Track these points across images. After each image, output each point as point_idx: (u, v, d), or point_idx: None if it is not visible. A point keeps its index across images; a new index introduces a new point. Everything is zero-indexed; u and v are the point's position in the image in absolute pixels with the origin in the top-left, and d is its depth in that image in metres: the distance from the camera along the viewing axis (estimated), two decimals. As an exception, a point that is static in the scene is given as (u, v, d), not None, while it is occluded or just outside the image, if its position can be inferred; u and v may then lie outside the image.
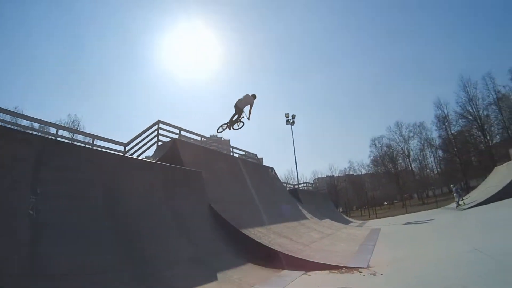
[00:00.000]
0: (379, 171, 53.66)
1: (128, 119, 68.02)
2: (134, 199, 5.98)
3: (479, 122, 41.29)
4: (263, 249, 6.85)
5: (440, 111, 45.71)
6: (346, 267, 5.76)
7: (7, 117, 8.40)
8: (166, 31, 72.44)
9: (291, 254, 6.62)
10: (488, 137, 41.23)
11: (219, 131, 9.43)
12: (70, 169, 4.98)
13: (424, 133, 49.14)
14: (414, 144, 50.25)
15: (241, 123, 8.93)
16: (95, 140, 9.12)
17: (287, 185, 27.79)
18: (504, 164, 22.64)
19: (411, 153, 50.41)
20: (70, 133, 17.00)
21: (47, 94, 55.67)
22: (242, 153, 16.83)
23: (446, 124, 45.45)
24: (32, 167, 4.34)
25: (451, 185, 22.37)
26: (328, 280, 5.08)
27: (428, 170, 51.79)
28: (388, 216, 29.18)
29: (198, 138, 13.81)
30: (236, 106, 8.65)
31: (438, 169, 50.24)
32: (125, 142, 9.66)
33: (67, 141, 9.52)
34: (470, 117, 42.18)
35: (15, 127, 8.21)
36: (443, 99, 47.42)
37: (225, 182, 11.13)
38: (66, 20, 58.93)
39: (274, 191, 15.49)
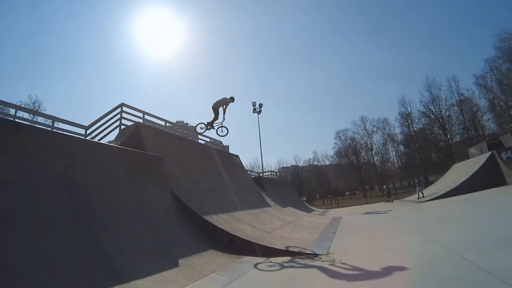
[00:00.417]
0: (343, 162, 56.32)
1: (93, 102, 63.64)
2: (94, 185, 5.75)
3: (440, 121, 44.05)
4: (225, 235, 6.94)
5: (404, 109, 48.43)
6: (306, 254, 6.02)
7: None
8: (133, 12, 68.18)
9: (253, 241, 6.77)
10: (448, 136, 44.06)
11: (198, 130, 9.41)
12: (28, 155, 4.67)
13: (387, 129, 52.25)
14: (377, 138, 53.39)
15: (225, 130, 9.02)
16: (55, 122, 8.77)
17: (252, 173, 28.20)
18: (462, 162, 24.22)
19: (374, 146, 53.52)
20: (31, 115, 16.35)
21: (6, 74, 49.95)
22: (208, 140, 16.74)
23: (409, 121, 48.19)
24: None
25: (415, 179, 23.65)
26: (288, 266, 5.29)
27: (389, 164, 55.10)
28: (349, 206, 30.49)
29: (163, 123, 13.46)
30: (213, 108, 8.75)
31: (399, 164, 53.49)
32: (87, 125, 9.31)
33: (27, 123, 8.92)
34: (433, 116, 44.88)
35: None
36: (407, 98, 49.97)
37: (189, 168, 11.04)
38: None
39: (238, 179, 15.59)
